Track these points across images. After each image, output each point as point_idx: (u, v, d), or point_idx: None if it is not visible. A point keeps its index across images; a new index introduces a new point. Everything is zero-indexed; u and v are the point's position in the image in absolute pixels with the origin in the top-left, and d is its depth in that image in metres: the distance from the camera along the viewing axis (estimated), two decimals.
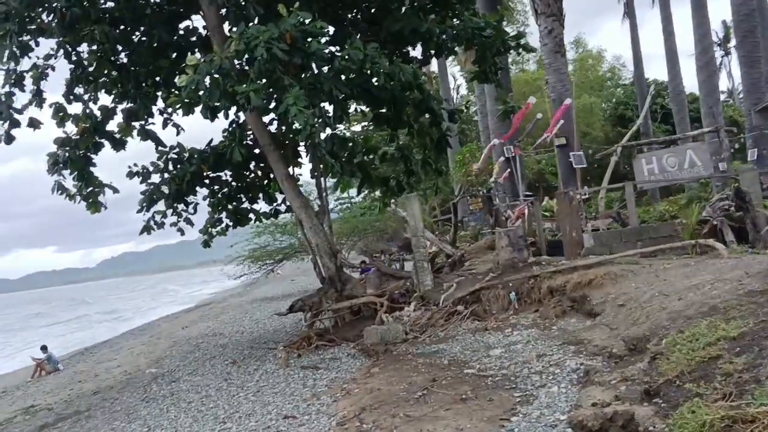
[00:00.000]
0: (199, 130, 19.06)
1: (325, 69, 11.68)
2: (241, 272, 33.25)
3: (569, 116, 21.47)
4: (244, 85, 10.76)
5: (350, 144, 14.19)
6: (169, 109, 15.27)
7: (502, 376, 7.50)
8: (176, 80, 11.11)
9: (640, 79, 39.53)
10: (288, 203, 15.79)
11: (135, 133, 15.11)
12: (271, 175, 15.83)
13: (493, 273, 12.01)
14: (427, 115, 13.96)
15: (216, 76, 10.78)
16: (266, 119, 14.68)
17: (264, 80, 11.06)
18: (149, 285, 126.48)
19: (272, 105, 12.62)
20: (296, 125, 10.68)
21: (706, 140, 15.71)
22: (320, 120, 11.37)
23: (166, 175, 15.34)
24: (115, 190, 14.94)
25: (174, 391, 11.93)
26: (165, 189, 15.24)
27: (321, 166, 14.39)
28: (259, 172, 16.33)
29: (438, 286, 13.25)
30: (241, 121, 15.66)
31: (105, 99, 15.19)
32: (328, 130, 12.93)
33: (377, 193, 18.86)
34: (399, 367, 9.13)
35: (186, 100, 11.82)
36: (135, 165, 15.32)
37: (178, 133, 15.99)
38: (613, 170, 21.62)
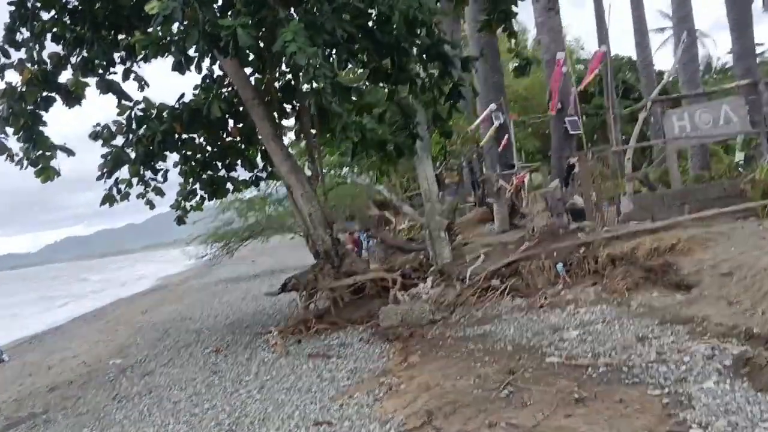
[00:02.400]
0: (162, 90, 16.74)
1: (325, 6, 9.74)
2: (202, 253, 30.98)
3: (565, 79, 20.02)
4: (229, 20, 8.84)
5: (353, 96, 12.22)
6: (133, 59, 13.03)
7: (606, 367, 5.79)
8: (146, 8, 9.00)
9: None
10: (272, 168, 13.80)
11: (93, 85, 12.81)
12: (251, 138, 13.82)
13: (528, 242, 10.32)
14: (435, 63, 12.05)
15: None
16: (248, 71, 12.69)
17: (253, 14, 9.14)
18: (118, 266, 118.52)
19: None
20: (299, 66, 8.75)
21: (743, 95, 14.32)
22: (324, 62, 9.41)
23: (130, 137, 13.15)
24: (70, 153, 12.67)
25: (151, 386, 9.96)
26: (131, 152, 13.08)
27: (316, 123, 12.45)
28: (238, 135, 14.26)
29: (459, 259, 11.51)
30: (215, 76, 13.61)
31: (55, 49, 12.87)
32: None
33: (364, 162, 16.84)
34: (446, 355, 7.38)
35: (156, 41, 9.71)
36: (98, 125, 13.13)
37: (141, 88, 13.73)
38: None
